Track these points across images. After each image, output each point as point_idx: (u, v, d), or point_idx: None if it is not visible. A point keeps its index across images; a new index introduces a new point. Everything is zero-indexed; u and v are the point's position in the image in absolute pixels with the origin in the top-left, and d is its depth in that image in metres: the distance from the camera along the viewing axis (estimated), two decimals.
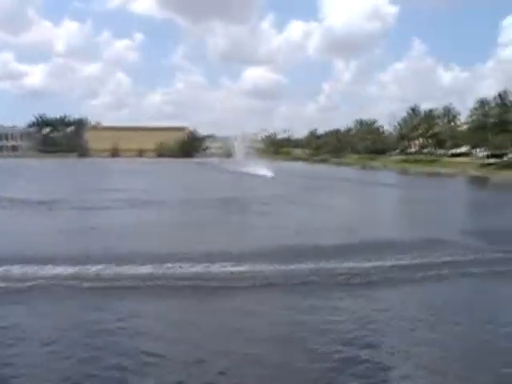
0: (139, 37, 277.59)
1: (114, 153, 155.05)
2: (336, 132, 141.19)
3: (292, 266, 14.41)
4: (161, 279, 13.09)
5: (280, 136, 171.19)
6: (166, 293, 12.60)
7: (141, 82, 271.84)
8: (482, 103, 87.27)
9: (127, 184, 46.50)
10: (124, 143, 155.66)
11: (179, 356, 9.09)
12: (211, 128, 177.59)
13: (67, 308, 11.72)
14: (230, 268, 14.04)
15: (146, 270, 13.71)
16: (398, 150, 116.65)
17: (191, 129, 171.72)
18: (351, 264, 14.70)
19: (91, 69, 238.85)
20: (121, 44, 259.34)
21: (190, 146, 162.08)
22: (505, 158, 79.72)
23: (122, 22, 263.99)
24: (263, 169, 66.91)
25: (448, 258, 15.82)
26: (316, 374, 8.34)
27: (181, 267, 13.95)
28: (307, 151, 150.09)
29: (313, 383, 8.20)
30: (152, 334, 10.09)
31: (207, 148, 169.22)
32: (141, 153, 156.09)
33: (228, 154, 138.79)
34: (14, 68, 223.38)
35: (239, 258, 14.91)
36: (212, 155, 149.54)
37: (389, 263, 14.96)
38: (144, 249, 16.64)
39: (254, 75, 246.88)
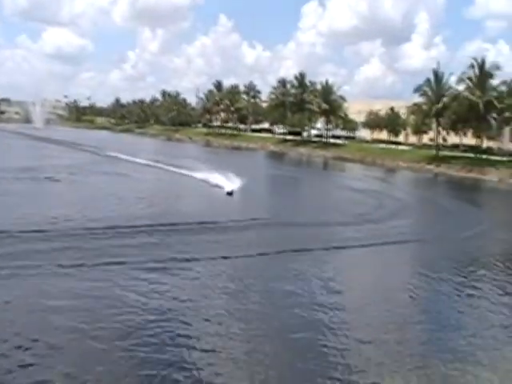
0: None
1: None
2: (141, 102, 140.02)
3: None
4: None
5: (83, 103, 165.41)
6: None
7: None
8: (283, 82, 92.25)
9: None
10: None
11: None
12: (6, 91, 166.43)
13: None
14: None
15: None
16: (201, 123, 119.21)
17: None
18: None
19: None
20: None
21: None
22: (300, 137, 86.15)
23: None
24: None
25: None
26: None
27: None
28: (111, 120, 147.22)
29: None
30: None
31: (3, 112, 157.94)
32: None
33: (27, 120, 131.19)
34: None
35: None
36: (9, 120, 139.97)
37: None
38: None
39: (56, 37, 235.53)
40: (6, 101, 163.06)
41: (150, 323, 9.75)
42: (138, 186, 29.15)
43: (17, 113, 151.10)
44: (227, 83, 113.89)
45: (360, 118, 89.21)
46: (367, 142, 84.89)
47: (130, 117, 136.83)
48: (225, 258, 14.54)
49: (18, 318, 9.72)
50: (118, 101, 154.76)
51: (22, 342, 8.63)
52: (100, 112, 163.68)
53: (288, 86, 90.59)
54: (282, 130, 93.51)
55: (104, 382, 7.73)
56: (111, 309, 10.31)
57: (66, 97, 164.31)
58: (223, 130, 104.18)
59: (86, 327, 9.32)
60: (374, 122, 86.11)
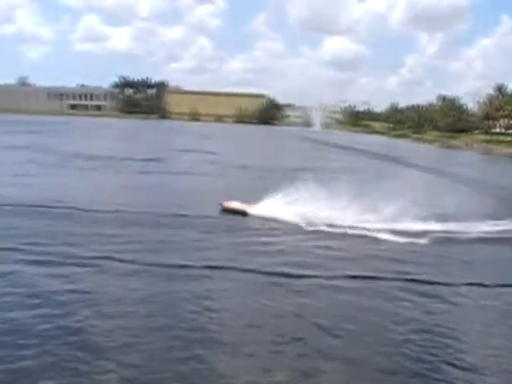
0: (221, 2, 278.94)
1: (193, 117, 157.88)
2: (417, 107, 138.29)
3: None
4: None
5: (359, 108, 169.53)
6: None
7: (222, 48, 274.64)
8: None
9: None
10: (203, 108, 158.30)
11: None
12: (290, 97, 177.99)
13: None
14: None
15: None
16: (481, 130, 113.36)
17: (270, 96, 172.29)
18: None
19: (173, 33, 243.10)
20: (203, 9, 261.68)
21: (268, 113, 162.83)
22: None
23: None
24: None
25: None
26: None
27: None
28: (386, 125, 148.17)
29: None
30: None
31: (286, 116, 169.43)
32: (219, 118, 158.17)
33: (307, 124, 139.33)
34: (99, 30, 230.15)
35: None
36: (290, 124, 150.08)
37: None
38: None
39: (335, 45, 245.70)
40: (290, 106, 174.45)
41: None
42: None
43: (298, 117, 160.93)
44: (511, 87, 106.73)
45: None
46: None
47: (406, 122, 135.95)
48: None
49: None
50: (394, 106, 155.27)
51: None
52: (376, 117, 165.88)
53: None
54: None
55: None
56: None
57: (343, 102, 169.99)
58: (506, 138, 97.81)
59: None
60: None
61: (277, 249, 14.15)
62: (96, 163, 31.41)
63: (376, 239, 15.62)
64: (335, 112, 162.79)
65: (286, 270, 12.24)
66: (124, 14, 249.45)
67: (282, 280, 11.66)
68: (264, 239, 15.20)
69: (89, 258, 12.22)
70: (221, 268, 12.12)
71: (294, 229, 16.48)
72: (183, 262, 12.25)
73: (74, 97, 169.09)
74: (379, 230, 16.15)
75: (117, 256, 12.39)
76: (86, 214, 16.92)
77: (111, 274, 11.33)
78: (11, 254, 12.29)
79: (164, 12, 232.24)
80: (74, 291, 10.24)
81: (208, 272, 11.79)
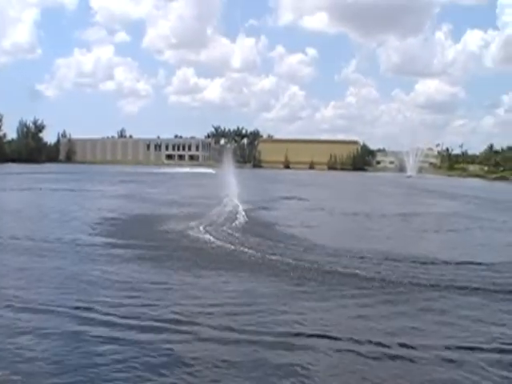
0: (312, 51, 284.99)
1: (286, 164, 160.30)
2: None
3: None
4: None
5: (455, 151, 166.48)
6: None
7: (313, 96, 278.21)
8: None
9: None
10: (295, 155, 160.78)
11: None
12: (382, 142, 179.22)
13: None
14: None
15: None
16: None
17: (362, 142, 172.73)
18: None
19: (265, 83, 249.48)
20: (294, 59, 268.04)
21: (361, 159, 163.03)
22: None
23: (295, 38, 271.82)
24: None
25: None
26: None
27: None
28: (484, 168, 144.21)
29: None
30: None
31: (379, 162, 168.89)
32: (312, 165, 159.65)
33: (400, 169, 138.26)
34: (193, 83, 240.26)
35: None
36: (384, 169, 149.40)
37: None
38: None
39: (428, 88, 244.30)
40: (383, 151, 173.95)
41: None
42: None
43: (391, 162, 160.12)
44: None
45: None
46: None
47: (505, 164, 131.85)
48: None
49: None
50: (491, 147, 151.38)
51: None
52: (472, 160, 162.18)
53: None
54: None
55: None
56: None
57: (438, 145, 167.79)
58: None
59: None
60: None
61: None
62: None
63: None
64: (430, 156, 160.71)
65: None
66: (217, 65, 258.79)
67: None
68: None
69: None
70: None
71: None
72: None
73: (169, 147, 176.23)
74: None
75: None
76: None
77: None
78: None
79: (256, 62, 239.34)
80: None
81: None
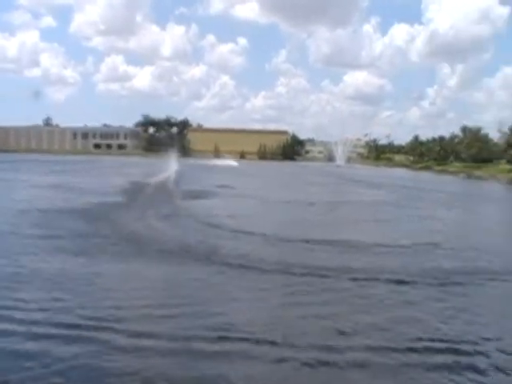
0: (242, 41, 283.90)
1: (216, 154, 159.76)
2: (440, 139, 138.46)
3: None
4: None
5: (382, 142, 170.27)
6: None
7: (244, 86, 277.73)
8: None
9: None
10: (225, 145, 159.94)
11: None
12: (312, 132, 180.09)
13: None
14: None
15: None
16: (505, 160, 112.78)
17: (292, 132, 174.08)
18: None
19: (196, 72, 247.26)
20: (225, 48, 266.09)
21: (291, 149, 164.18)
22: None
23: (226, 27, 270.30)
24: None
25: None
26: None
27: None
28: (410, 158, 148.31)
29: None
30: None
31: (308, 152, 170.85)
32: (242, 154, 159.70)
33: (329, 158, 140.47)
34: (123, 71, 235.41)
35: None
36: (313, 159, 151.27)
37: None
38: None
39: (356, 79, 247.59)
40: (312, 141, 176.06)
41: None
42: None
43: (320, 152, 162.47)
44: None
45: None
46: None
47: (429, 154, 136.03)
48: None
49: None
50: (416, 138, 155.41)
51: None
52: (398, 150, 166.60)
53: None
54: None
55: None
56: None
57: (366, 136, 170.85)
58: None
59: None
60: None
61: None
62: None
63: None
64: (358, 146, 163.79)
65: None
66: (147, 53, 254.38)
67: None
68: None
69: None
70: None
71: None
72: None
73: (97, 136, 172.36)
74: None
75: None
76: None
77: None
78: None
79: (186, 51, 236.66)
80: None
81: None
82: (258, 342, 9.29)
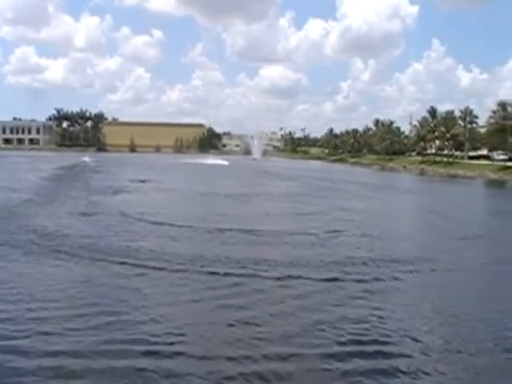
0: (158, 33, 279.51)
1: (132, 148, 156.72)
2: (354, 132, 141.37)
3: None
4: None
5: (297, 135, 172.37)
6: None
7: (159, 78, 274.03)
8: (503, 106, 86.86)
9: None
10: (142, 139, 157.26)
11: None
12: (228, 125, 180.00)
13: None
14: None
15: None
16: (415, 152, 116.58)
17: (209, 125, 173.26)
18: None
19: (110, 64, 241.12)
20: (139, 40, 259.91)
21: (207, 142, 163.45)
22: None
23: (141, 19, 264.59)
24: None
25: None
26: None
27: None
28: (325, 150, 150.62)
29: None
30: None
31: (225, 145, 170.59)
32: (158, 148, 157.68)
33: (246, 152, 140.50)
34: (34, 62, 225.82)
35: None
36: (230, 152, 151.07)
37: None
38: None
39: (272, 73, 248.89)
40: (228, 134, 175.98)
41: None
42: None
43: (237, 145, 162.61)
44: (442, 109, 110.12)
45: None
46: None
47: (343, 147, 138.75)
48: None
49: None
50: (331, 131, 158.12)
51: None
52: (314, 143, 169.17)
53: (509, 108, 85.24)
54: (502, 157, 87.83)
55: None
56: None
57: (281, 129, 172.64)
58: (438, 158, 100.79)
59: None
60: None
61: None
62: None
63: None
64: (274, 139, 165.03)
65: None
66: (60, 45, 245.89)
67: None
68: None
69: None
70: None
71: None
72: None
73: (7, 130, 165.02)
74: None
75: None
76: None
77: None
78: None
79: (100, 42, 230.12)
80: None
81: None
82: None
